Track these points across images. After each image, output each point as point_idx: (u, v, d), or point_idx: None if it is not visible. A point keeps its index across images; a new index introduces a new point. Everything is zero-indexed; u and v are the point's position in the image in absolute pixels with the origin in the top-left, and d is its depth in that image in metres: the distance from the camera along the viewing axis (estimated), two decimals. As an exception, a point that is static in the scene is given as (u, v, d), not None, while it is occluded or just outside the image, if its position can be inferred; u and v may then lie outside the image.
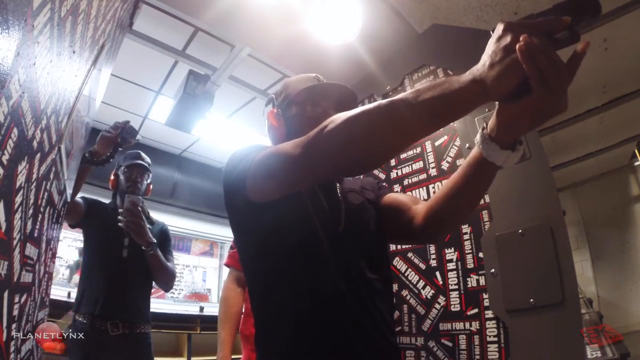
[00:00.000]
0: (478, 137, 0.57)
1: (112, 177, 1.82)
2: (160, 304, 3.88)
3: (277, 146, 0.69)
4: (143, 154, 1.90)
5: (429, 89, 0.50)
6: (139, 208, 1.53)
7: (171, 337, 3.80)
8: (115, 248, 1.65)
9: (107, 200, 1.85)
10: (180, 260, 4.72)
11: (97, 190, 3.14)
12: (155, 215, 1.87)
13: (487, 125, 0.56)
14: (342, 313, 0.70)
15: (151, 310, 1.77)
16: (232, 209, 0.79)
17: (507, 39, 0.45)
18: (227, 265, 1.60)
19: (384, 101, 0.53)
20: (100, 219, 1.68)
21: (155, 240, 1.62)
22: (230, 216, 0.81)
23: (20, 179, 0.59)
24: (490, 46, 0.47)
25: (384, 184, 1.01)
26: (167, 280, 1.72)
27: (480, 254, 1.47)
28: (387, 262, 0.87)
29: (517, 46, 0.43)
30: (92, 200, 1.76)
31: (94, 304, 1.54)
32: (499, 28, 0.47)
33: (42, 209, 0.86)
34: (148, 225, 1.65)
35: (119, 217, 1.52)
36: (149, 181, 1.88)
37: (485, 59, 0.47)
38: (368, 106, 0.55)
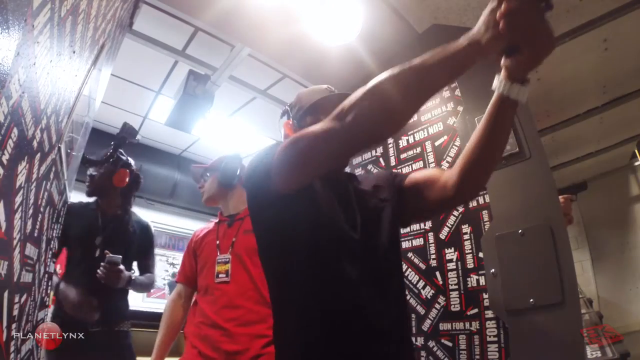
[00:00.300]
0: (495, 81, 0.67)
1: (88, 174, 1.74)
2: (159, 303, 3.88)
3: (302, 131, 0.70)
4: (89, 157, 1.72)
5: (432, 56, 0.61)
6: (118, 267, 1.56)
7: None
8: (90, 248, 1.64)
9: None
10: (179, 260, 4.71)
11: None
12: (155, 215, 1.85)
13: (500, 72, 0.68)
14: (362, 314, 0.72)
15: (151, 310, 1.77)
16: (256, 208, 0.81)
17: (497, 7, 0.55)
18: (176, 281, 1.62)
19: (396, 70, 0.62)
20: (79, 229, 1.64)
21: (132, 277, 1.63)
22: (253, 217, 0.83)
23: (20, 179, 0.59)
24: (485, 14, 0.57)
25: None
26: (145, 291, 1.79)
27: (480, 254, 1.47)
28: (400, 266, 0.88)
29: (498, 13, 0.54)
30: (68, 217, 1.62)
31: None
32: (493, 1, 0.57)
33: (42, 209, 0.86)
34: (130, 228, 1.71)
35: (98, 270, 1.52)
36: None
37: (480, 24, 0.58)
38: (384, 75, 0.63)
